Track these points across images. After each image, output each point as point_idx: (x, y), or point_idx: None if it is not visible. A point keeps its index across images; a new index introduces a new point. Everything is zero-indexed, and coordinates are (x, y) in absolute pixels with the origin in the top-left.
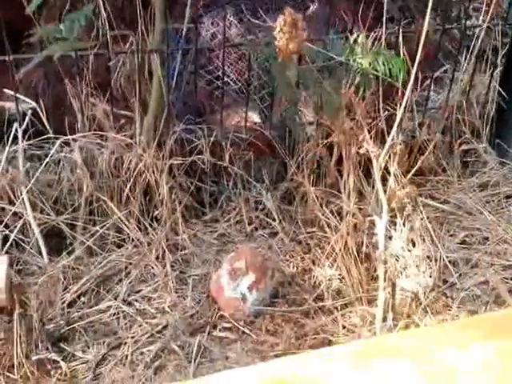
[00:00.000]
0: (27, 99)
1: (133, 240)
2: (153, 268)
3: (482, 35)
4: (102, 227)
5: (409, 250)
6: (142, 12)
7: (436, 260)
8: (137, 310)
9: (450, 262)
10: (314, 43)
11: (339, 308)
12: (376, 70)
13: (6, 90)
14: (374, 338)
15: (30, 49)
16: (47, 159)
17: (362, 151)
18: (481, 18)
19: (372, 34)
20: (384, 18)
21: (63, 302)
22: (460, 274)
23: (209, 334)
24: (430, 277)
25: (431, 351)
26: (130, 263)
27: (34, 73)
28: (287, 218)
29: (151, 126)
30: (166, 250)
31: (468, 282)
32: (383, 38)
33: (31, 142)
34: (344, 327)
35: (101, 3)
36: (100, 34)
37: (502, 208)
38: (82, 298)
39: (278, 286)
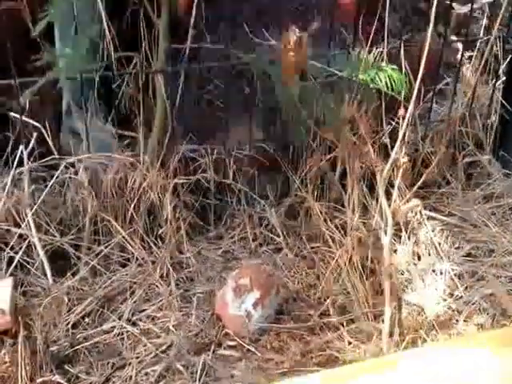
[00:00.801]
0: (32, 121)
1: (137, 259)
2: (157, 287)
3: (487, 47)
4: (106, 247)
5: (414, 264)
6: (146, 33)
7: (442, 273)
8: (141, 329)
9: (455, 275)
10: (316, 59)
11: (345, 324)
12: (378, 85)
13: (11, 113)
14: None
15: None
16: (52, 180)
17: (365, 166)
18: (482, 29)
19: (374, 48)
20: (385, 33)
21: (67, 324)
22: (466, 287)
23: (213, 352)
24: (436, 290)
25: None
26: (135, 282)
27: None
28: (291, 234)
29: (155, 146)
30: (171, 269)
31: (474, 294)
32: (384, 52)
33: (36, 163)
34: (350, 343)
35: (105, 25)
36: (104, 55)
37: (507, 220)
38: (87, 319)
39: (283, 303)
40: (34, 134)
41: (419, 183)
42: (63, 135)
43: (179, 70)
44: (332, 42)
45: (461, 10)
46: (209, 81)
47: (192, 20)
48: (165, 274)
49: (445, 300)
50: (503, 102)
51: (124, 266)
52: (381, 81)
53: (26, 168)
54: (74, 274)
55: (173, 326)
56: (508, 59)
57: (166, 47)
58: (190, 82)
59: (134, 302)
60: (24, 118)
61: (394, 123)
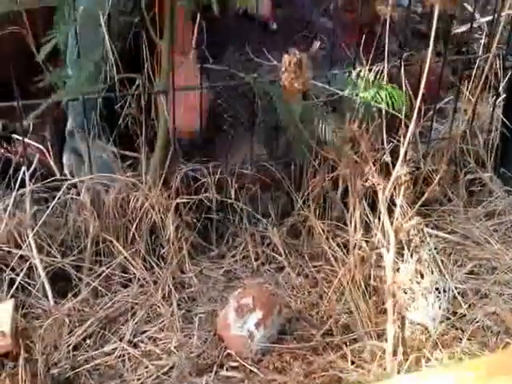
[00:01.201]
0: (35, 143)
1: (139, 279)
2: (159, 307)
3: (486, 65)
4: (107, 267)
5: (417, 282)
6: (148, 54)
7: (445, 291)
8: (142, 351)
9: (458, 292)
10: (317, 79)
11: (348, 343)
12: (379, 103)
13: (13, 135)
14: None
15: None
16: (54, 201)
17: (367, 184)
18: (481, 47)
19: (374, 67)
20: (386, 52)
21: (68, 346)
22: (469, 305)
23: (216, 373)
24: (440, 308)
25: None
26: (136, 303)
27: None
28: (294, 253)
29: (157, 166)
30: (172, 289)
31: (478, 312)
32: (385, 71)
33: (38, 184)
34: (353, 363)
35: (108, 47)
36: (107, 77)
37: (509, 237)
38: (88, 341)
39: (286, 322)
40: (37, 156)
41: (421, 201)
42: (66, 156)
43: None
44: (333, 61)
45: (460, 29)
46: (211, 101)
47: (194, 41)
48: (166, 295)
49: (448, 318)
50: (503, 119)
51: (126, 286)
52: (381, 99)
53: (28, 189)
54: (75, 296)
55: (174, 347)
56: (508, 76)
57: (168, 68)
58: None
59: (136, 323)
60: (26, 139)
61: (395, 141)
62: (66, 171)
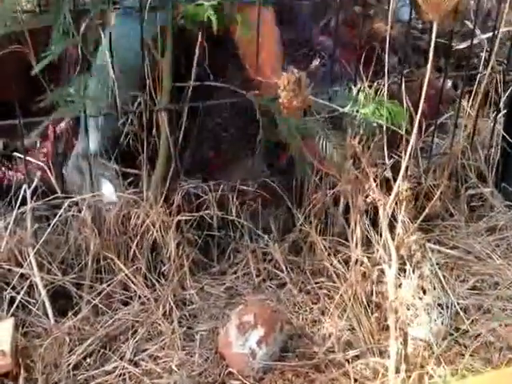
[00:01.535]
0: (36, 161)
1: (139, 297)
2: (160, 325)
3: (486, 80)
4: (108, 285)
5: (419, 298)
6: (150, 72)
7: (447, 307)
8: (143, 370)
9: (461, 308)
10: (317, 95)
11: (350, 360)
12: (379, 119)
13: (15, 153)
14: None
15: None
16: (55, 219)
17: (368, 200)
18: (481, 62)
19: (374, 83)
20: (386, 69)
21: (68, 365)
22: (472, 321)
23: None
24: (442, 324)
25: None
26: (137, 321)
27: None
28: (295, 269)
29: (159, 183)
30: (173, 306)
31: (480, 328)
32: (385, 87)
33: (40, 202)
34: (356, 380)
35: (110, 65)
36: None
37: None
38: (88, 360)
39: (288, 339)
40: (38, 173)
41: (422, 216)
42: (71, 173)
43: (183, 107)
44: (333, 78)
45: (461, 45)
46: (212, 118)
47: (196, 59)
48: (167, 312)
49: (451, 334)
50: (504, 134)
51: (126, 304)
52: (382, 115)
53: (29, 207)
54: (75, 314)
55: (175, 365)
56: (508, 92)
57: (169, 86)
58: (194, 119)
59: (136, 341)
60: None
61: (396, 157)
62: (74, 188)
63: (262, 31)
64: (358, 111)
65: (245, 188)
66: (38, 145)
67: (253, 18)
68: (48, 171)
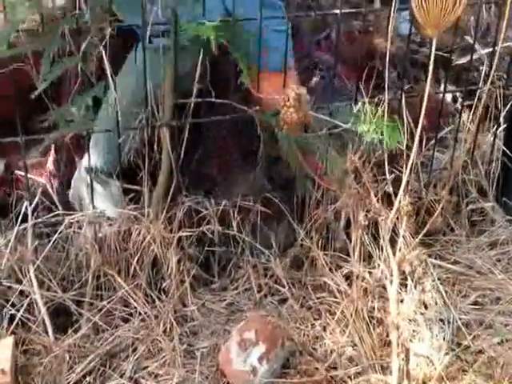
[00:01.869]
0: (37, 178)
1: (140, 314)
2: (160, 342)
3: (486, 95)
4: (108, 302)
5: (421, 313)
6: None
7: (449, 322)
8: None
9: (463, 323)
10: (318, 111)
11: (352, 377)
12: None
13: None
14: None
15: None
16: (55, 236)
17: (369, 215)
18: (482, 77)
19: (374, 99)
20: (386, 86)
21: (68, 383)
22: (474, 336)
23: None
24: (444, 340)
25: None
26: (137, 338)
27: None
28: (296, 284)
29: (160, 199)
30: (174, 323)
31: (482, 343)
32: (385, 103)
33: (40, 219)
34: None
35: (111, 82)
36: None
37: None
38: (88, 378)
39: (289, 356)
40: (39, 190)
41: (424, 231)
42: (79, 190)
43: (184, 123)
44: (334, 94)
45: (460, 60)
46: (213, 133)
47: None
48: (168, 329)
49: (453, 350)
50: (504, 149)
51: (127, 321)
52: (382, 133)
53: (30, 224)
54: (75, 331)
55: (176, 383)
56: (508, 106)
57: (171, 102)
58: (196, 135)
59: (137, 358)
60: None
61: (396, 172)
62: (76, 204)
63: None
64: (358, 128)
65: (246, 203)
66: (40, 161)
67: None
68: (49, 188)
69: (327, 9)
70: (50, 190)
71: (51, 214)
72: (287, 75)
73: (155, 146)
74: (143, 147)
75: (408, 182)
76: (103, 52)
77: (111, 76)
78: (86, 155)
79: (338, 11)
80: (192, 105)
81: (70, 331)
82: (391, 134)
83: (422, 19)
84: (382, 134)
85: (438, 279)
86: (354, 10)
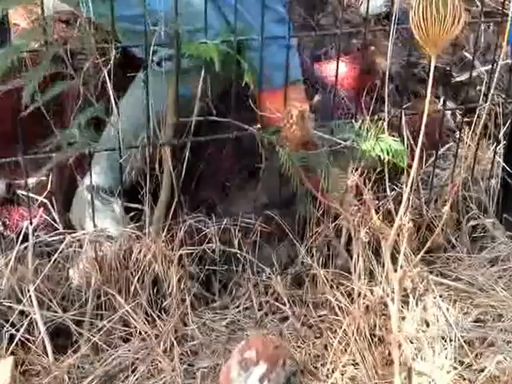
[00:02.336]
0: (38, 197)
1: (140, 333)
2: (160, 362)
3: (486, 112)
4: (109, 322)
5: (423, 331)
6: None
7: (451, 340)
8: None
9: (465, 341)
10: (319, 129)
11: None
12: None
13: (18, 192)
14: None
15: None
16: (56, 255)
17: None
18: (481, 94)
19: (375, 117)
20: (386, 103)
21: None
22: (476, 355)
23: None
24: (446, 358)
25: None
26: (137, 358)
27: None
28: (298, 302)
29: (161, 217)
30: (175, 342)
31: (485, 362)
32: (386, 121)
33: (41, 238)
34: None
35: (112, 100)
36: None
37: None
38: None
39: (291, 375)
40: (40, 210)
41: (425, 248)
42: (80, 210)
43: (186, 142)
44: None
45: (460, 77)
46: (215, 151)
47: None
48: (168, 348)
49: (455, 368)
50: (504, 165)
51: (127, 340)
52: (382, 150)
53: (31, 243)
54: (75, 351)
55: None
56: (508, 123)
57: (173, 122)
58: (198, 154)
59: (137, 379)
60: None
61: (397, 189)
62: (76, 224)
63: None
64: (358, 145)
65: (247, 221)
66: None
67: None
68: (50, 207)
69: (327, 28)
70: (51, 208)
71: (52, 233)
72: (296, 89)
73: (157, 165)
74: (145, 166)
75: (409, 198)
76: (106, 75)
77: (114, 98)
78: (88, 174)
79: (338, 31)
80: (193, 123)
81: (69, 351)
82: (396, 151)
83: (420, 38)
84: (387, 153)
85: (440, 296)
86: (354, 30)
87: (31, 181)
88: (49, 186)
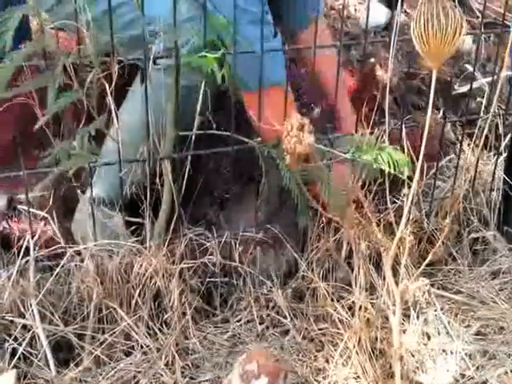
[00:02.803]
0: (39, 211)
1: (142, 347)
2: (162, 375)
3: (487, 124)
4: (110, 335)
5: (424, 344)
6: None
7: (452, 353)
8: None
9: (466, 354)
10: (320, 141)
11: None
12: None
13: (19, 207)
14: None
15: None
16: (58, 269)
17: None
18: (482, 106)
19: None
20: (386, 115)
21: None
22: (477, 367)
23: None
24: (448, 371)
25: None
26: (139, 372)
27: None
28: (299, 315)
29: (162, 231)
30: (176, 356)
31: (486, 374)
32: (386, 133)
33: (43, 252)
34: None
35: (113, 113)
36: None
37: None
38: None
39: None
40: (41, 224)
41: (426, 261)
42: (75, 221)
43: (186, 155)
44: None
45: (460, 89)
46: (215, 164)
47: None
48: (170, 362)
49: (457, 381)
50: (505, 178)
51: (128, 354)
52: (383, 161)
53: (32, 257)
54: (77, 365)
55: None
56: (509, 136)
57: (173, 135)
58: (198, 167)
59: None
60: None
61: (398, 201)
62: (78, 238)
63: None
64: (359, 157)
65: (248, 234)
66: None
67: None
68: (51, 221)
69: None
70: (51, 222)
71: (53, 247)
72: (277, 92)
73: (157, 179)
74: (145, 179)
75: (410, 211)
76: (107, 87)
77: (114, 110)
78: (89, 187)
79: (337, 43)
80: (193, 137)
81: (71, 365)
82: (398, 160)
83: (421, 51)
84: (388, 165)
85: (441, 309)
86: (354, 42)
87: (32, 194)
88: (50, 200)
